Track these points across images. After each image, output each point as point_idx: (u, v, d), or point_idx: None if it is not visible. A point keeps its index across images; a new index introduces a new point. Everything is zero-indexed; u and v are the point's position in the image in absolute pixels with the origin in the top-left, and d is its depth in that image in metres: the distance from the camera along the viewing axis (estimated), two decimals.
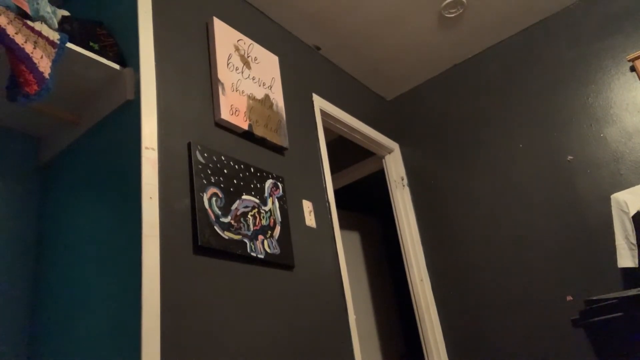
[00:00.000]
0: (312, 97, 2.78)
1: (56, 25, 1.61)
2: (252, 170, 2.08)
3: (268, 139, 2.23)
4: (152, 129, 1.70)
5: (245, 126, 2.13)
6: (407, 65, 3.31)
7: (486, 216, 2.99)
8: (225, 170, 1.94)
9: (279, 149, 2.32)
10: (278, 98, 2.42)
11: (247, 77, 2.26)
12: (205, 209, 1.78)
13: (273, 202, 2.12)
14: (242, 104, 2.16)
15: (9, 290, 1.78)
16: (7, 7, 1.47)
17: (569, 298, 2.57)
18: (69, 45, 1.60)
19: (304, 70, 2.84)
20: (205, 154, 1.88)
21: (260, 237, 1.96)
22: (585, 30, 2.88)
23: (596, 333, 2.46)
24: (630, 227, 2.29)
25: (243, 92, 2.20)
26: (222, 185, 1.89)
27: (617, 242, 2.32)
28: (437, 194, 3.22)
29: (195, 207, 1.74)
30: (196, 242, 1.69)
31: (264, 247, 1.96)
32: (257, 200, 2.04)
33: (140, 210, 1.54)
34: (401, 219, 3.23)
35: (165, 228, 1.61)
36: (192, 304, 1.62)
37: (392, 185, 3.33)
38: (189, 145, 1.84)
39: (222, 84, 2.10)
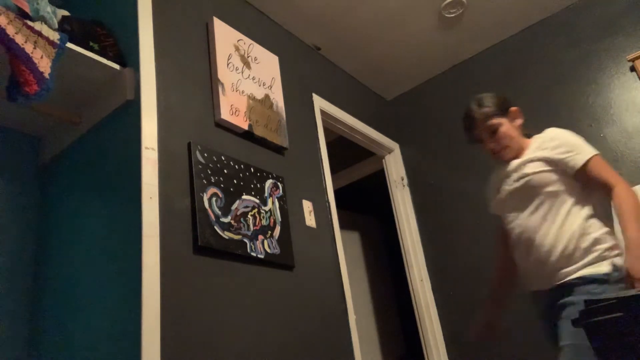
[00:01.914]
0: (312, 97, 2.78)
1: (56, 25, 1.61)
2: (252, 170, 2.08)
3: (268, 139, 2.23)
4: (152, 129, 1.70)
5: (245, 126, 2.13)
6: (407, 65, 3.31)
7: (486, 216, 2.97)
8: (225, 170, 1.94)
9: (279, 149, 2.32)
10: (278, 98, 2.42)
11: (247, 77, 2.26)
12: (206, 209, 1.78)
13: (273, 202, 2.12)
14: (242, 104, 2.16)
15: (8, 291, 1.78)
16: (7, 7, 1.47)
17: None
18: (69, 45, 1.60)
19: (304, 70, 2.84)
20: (205, 154, 1.88)
21: (260, 237, 1.96)
22: (585, 30, 2.87)
23: (596, 333, 2.45)
24: None
25: (243, 92, 2.20)
26: (222, 185, 1.89)
27: None
28: (437, 194, 3.22)
29: (195, 207, 1.74)
30: (196, 242, 1.69)
31: (264, 247, 1.96)
32: (257, 200, 2.04)
33: (140, 210, 1.54)
34: (401, 219, 3.23)
35: (165, 228, 1.61)
36: (192, 303, 1.62)
37: (392, 185, 3.33)
38: (189, 145, 1.84)
39: (222, 84, 2.10)
